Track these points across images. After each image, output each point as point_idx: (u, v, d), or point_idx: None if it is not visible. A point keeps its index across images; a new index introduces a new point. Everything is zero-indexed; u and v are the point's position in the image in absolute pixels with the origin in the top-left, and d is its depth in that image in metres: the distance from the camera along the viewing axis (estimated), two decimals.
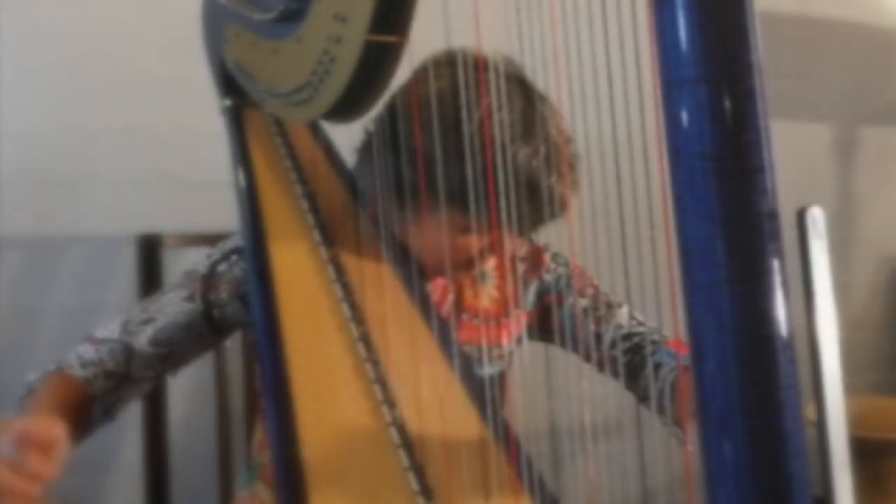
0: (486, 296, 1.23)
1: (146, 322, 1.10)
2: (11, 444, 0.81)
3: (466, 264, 1.12)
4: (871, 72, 2.27)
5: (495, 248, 1.11)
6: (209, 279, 1.13)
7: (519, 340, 1.25)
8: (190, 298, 1.12)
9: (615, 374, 1.18)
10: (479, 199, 0.97)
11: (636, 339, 1.19)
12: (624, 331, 1.20)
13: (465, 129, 1.00)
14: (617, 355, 1.18)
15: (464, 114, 1.00)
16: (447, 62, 1.06)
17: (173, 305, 1.11)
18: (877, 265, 2.31)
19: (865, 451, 1.89)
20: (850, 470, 0.51)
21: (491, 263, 1.24)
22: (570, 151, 1.07)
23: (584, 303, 1.24)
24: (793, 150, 2.17)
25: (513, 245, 1.14)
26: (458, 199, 1.01)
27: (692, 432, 0.91)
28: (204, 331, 1.13)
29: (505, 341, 1.22)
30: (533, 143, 1.02)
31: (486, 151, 0.98)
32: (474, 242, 1.09)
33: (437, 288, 1.20)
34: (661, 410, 1.09)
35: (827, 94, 2.24)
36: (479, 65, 1.01)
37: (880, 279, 2.31)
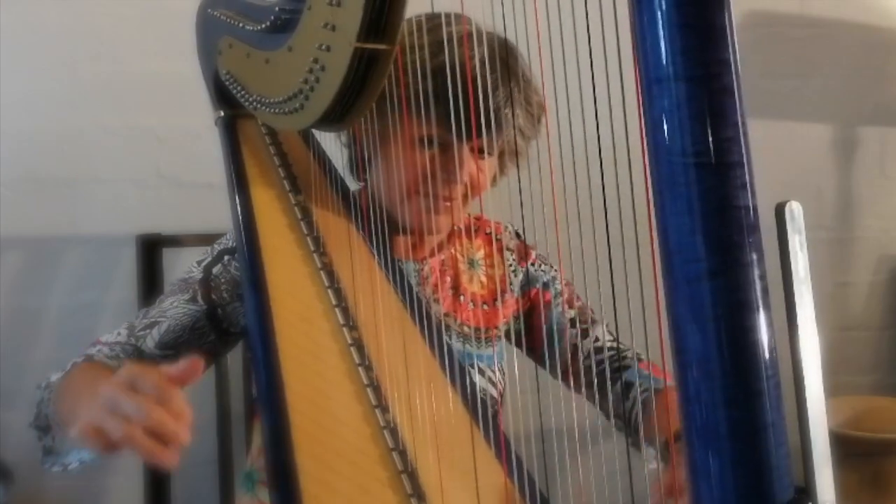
0: (478, 282, 1.26)
1: (151, 326, 1.11)
2: (156, 387, 0.77)
3: (445, 193, 1.12)
4: (871, 72, 2.26)
5: (467, 168, 1.11)
6: (207, 282, 1.14)
7: (515, 320, 1.28)
8: (192, 300, 1.12)
9: (586, 385, 1.23)
10: (448, 109, 0.98)
11: (610, 354, 1.24)
12: (599, 344, 1.26)
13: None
14: (591, 366, 1.23)
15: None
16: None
17: (176, 308, 1.12)
18: (877, 265, 2.30)
19: (865, 451, 1.89)
20: (832, 462, 0.51)
21: (481, 253, 1.28)
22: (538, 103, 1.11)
23: (571, 313, 1.29)
24: (793, 149, 2.18)
25: (483, 176, 1.15)
26: (427, 108, 1.03)
27: (666, 448, 0.94)
28: (208, 331, 1.13)
29: (498, 323, 1.25)
30: (498, 71, 1.06)
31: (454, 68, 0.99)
32: (445, 158, 1.09)
33: (435, 269, 1.22)
34: (628, 427, 1.15)
35: (827, 94, 2.24)
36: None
37: (880, 279, 2.31)
